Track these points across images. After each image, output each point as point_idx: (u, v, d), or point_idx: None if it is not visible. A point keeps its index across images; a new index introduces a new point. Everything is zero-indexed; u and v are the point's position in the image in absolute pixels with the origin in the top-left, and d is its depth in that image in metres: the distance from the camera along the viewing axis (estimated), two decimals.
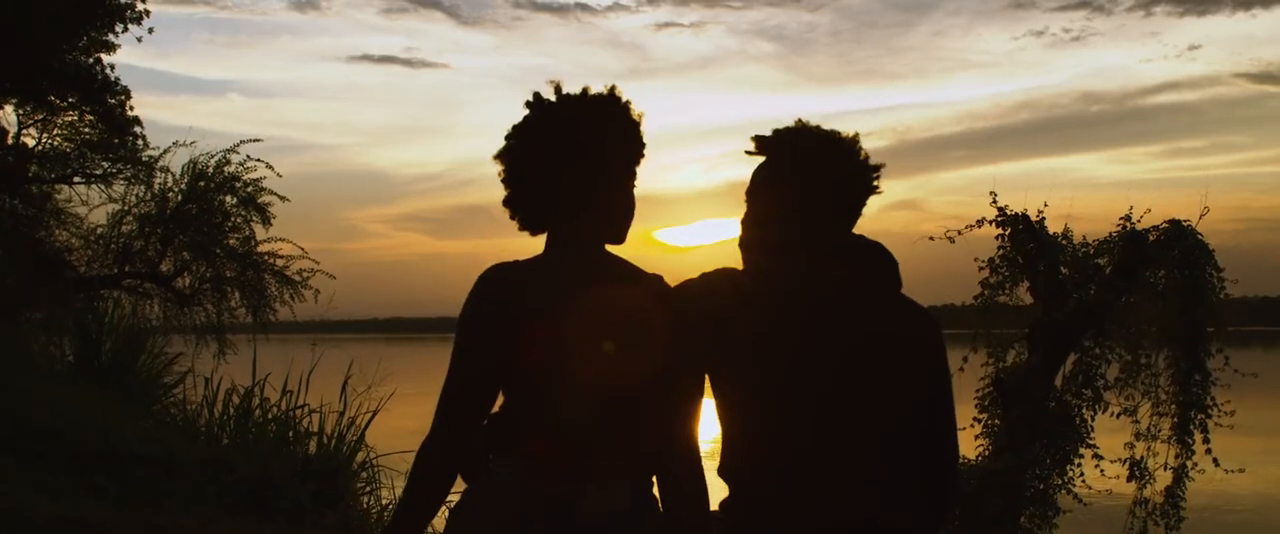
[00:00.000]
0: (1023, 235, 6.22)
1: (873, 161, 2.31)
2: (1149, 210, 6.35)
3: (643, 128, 2.28)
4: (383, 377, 8.03)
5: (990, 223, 6.26)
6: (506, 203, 2.29)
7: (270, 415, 7.73)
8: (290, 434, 7.51)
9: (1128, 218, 6.36)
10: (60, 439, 5.93)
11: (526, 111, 2.26)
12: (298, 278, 13.91)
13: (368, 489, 7.39)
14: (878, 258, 2.39)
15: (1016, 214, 6.25)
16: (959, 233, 6.26)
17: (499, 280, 2.24)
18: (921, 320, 2.34)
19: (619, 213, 2.28)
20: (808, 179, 2.27)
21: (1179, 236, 6.27)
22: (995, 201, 6.26)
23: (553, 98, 2.25)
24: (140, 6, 13.00)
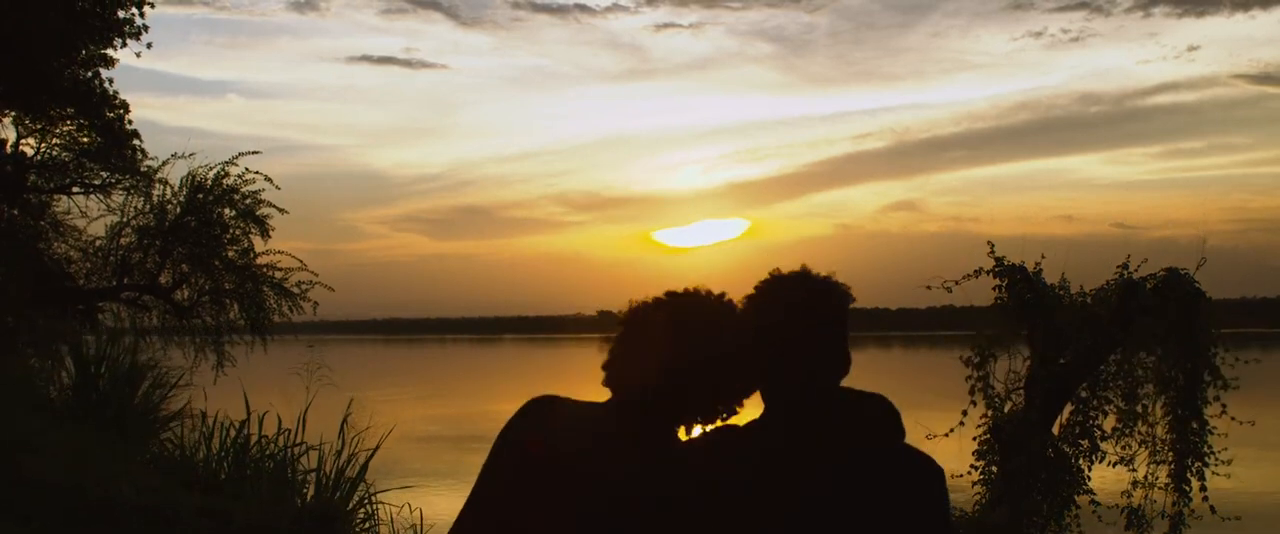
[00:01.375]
0: (1020, 286, 6.20)
1: (837, 284, 2.31)
2: (1145, 260, 6.34)
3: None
4: (376, 417, 7.99)
5: (988, 273, 6.25)
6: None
7: (268, 451, 7.71)
8: (289, 472, 7.49)
9: (1125, 266, 6.34)
10: (57, 490, 5.93)
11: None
12: (296, 290, 13.92)
13: (367, 526, 7.39)
14: (877, 410, 2.38)
15: (1014, 265, 6.24)
16: (956, 282, 6.25)
17: (534, 433, 2.26)
18: (921, 474, 2.33)
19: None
20: (789, 335, 2.28)
21: (1175, 284, 6.26)
22: (992, 252, 6.25)
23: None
24: (139, 21, 12.95)
